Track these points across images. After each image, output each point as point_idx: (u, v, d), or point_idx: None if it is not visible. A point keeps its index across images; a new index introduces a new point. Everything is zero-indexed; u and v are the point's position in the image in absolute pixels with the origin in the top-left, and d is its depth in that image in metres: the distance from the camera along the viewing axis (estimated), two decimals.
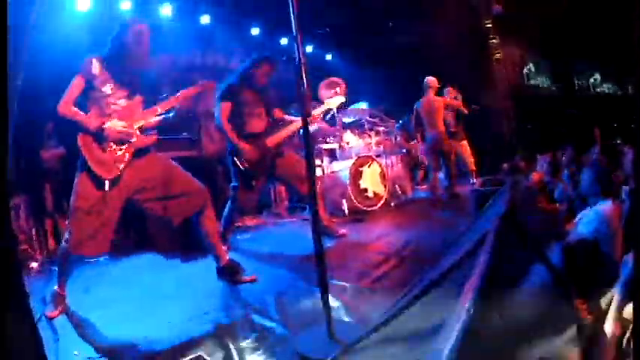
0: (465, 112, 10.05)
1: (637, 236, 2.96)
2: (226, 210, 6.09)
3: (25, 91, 2.23)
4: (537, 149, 10.49)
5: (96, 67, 4.15)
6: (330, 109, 7.20)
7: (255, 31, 12.11)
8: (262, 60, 5.95)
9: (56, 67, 7.24)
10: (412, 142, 12.36)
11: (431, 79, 9.54)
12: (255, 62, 5.96)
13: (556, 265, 2.57)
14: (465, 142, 10.25)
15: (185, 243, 6.35)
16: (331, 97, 8.01)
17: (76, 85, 4.12)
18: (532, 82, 15.17)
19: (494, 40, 14.07)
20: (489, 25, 13.89)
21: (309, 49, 13.24)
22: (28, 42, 2.28)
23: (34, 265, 6.78)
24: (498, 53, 14.16)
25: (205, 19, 10.91)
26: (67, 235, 4.12)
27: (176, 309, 3.97)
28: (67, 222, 4.18)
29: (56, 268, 4.32)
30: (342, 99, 6.83)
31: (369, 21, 12.74)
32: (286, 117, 6.16)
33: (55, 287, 4.20)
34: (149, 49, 4.35)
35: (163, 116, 4.40)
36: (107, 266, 6.20)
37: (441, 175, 9.77)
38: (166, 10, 9.91)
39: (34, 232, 7.48)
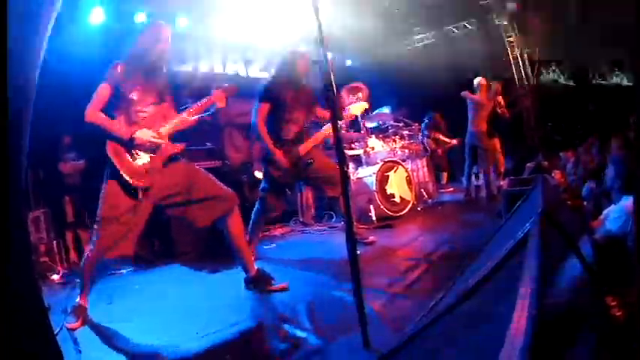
0: (507, 116, 10.03)
1: (637, 235, 2.89)
2: (254, 213, 6.01)
3: (39, 104, 2.19)
4: (559, 147, 10.36)
5: (121, 72, 4.11)
6: (355, 116, 7.17)
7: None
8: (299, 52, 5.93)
9: (70, 80, 7.30)
10: (449, 140, 12.26)
11: (482, 80, 9.73)
12: (293, 54, 5.93)
13: (587, 261, 2.47)
14: (497, 140, 10.14)
15: (212, 254, 6.30)
16: (354, 102, 7.96)
17: (102, 92, 4.06)
18: (548, 77, 14.95)
19: (510, 38, 13.93)
20: (505, 23, 13.75)
21: (329, 54, 13.14)
22: (40, 55, 2.21)
23: (55, 277, 6.80)
24: (515, 51, 14.01)
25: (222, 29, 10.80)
26: (91, 245, 4.09)
27: (203, 320, 3.87)
28: (92, 231, 4.14)
29: (78, 280, 4.28)
30: (365, 105, 6.77)
31: (387, 25, 12.66)
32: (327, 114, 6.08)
33: (78, 299, 4.15)
34: (168, 45, 4.32)
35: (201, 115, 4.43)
36: (131, 278, 6.20)
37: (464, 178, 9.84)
38: (183, 22, 9.85)
39: (54, 244, 7.52)
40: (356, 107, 6.58)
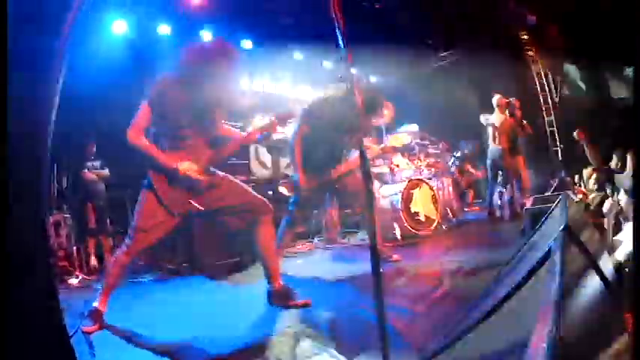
0: (529, 132, 9.97)
1: (637, 236, 2.84)
2: (281, 226, 5.97)
3: (63, 111, 2.21)
4: (582, 163, 10.25)
5: (170, 92, 3.97)
6: (394, 148, 7.21)
7: (297, 55, 12.12)
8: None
9: (93, 89, 7.40)
10: (475, 172, 12.28)
11: (500, 99, 9.72)
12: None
13: (607, 278, 2.45)
14: (520, 158, 10.06)
15: (235, 266, 6.31)
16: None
17: (144, 113, 3.94)
18: (569, 92, 14.74)
19: (530, 53, 13.82)
20: (526, 37, 13.65)
21: (352, 71, 13.12)
22: (63, 62, 2.23)
23: (74, 281, 6.90)
24: (537, 66, 13.90)
25: (247, 44, 10.94)
26: (124, 247, 4.11)
27: (222, 330, 3.88)
28: (116, 234, 4.16)
29: (99, 286, 4.28)
30: (408, 138, 6.78)
31: (409, 41, 12.68)
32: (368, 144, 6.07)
33: (96, 304, 4.14)
34: (231, 66, 4.10)
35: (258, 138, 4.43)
36: (152, 286, 6.23)
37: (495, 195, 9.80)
38: (206, 36, 9.94)
39: (74, 249, 7.64)
40: (395, 139, 6.59)
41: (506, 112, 9.64)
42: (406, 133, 6.82)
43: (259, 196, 4.45)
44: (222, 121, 4.44)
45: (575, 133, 8.46)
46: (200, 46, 4.21)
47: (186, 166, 4.00)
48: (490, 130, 9.63)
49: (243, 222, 4.39)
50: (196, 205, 4.13)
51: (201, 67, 3.97)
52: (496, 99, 9.68)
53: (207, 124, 4.24)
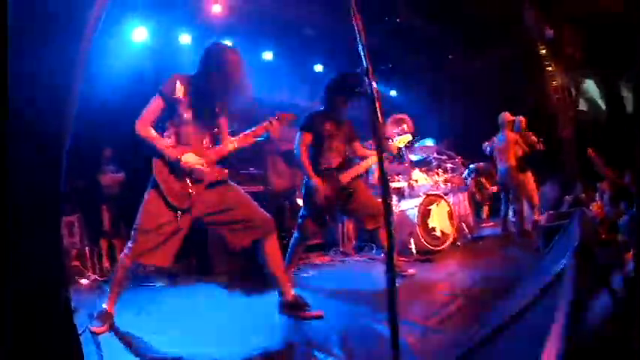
0: (540, 147, 9.86)
1: (637, 237, 2.79)
2: (292, 239, 6.00)
3: (81, 115, 2.24)
4: (597, 178, 10.15)
5: (180, 89, 4.07)
6: (399, 148, 7.17)
7: (318, 67, 12.15)
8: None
9: (113, 94, 7.48)
10: (489, 187, 12.23)
11: (507, 115, 9.63)
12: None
13: (619, 296, 2.42)
14: (529, 174, 9.96)
15: (248, 274, 6.30)
16: (399, 134, 7.95)
17: (155, 106, 4.04)
18: (585, 106, 14.60)
19: (549, 67, 13.75)
20: (544, 51, 13.58)
21: (374, 84, 13.15)
22: (83, 65, 2.26)
23: (85, 281, 6.97)
24: (555, 80, 13.82)
25: (268, 56, 11.01)
26: (126, 250, 4.10)
27: (233, 339, 3.87)
28: (129, 237, 4.12)
29: (108, 288, 4.30)
30: (410, 137, 6.77)
31: (431, 55, 12.67)
32: (367, 152, 6.08)
33: (105, 305, 4.17)
34: (237, 73, 4.18)
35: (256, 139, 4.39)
36: (164, 292, 6.24)
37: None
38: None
39: (87, 250, 7.78)
40: (401, 139, 6.58)
41: (513, 129, 9.57)
42: (409, 134, 6.77)
43: (264, 212, 4.42)
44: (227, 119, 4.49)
45: (588, 152, 8.40)
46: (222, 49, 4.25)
47: (190, 158, 4.05)
48: (495, 152, 9.63)
49: (248, 239, 4.33)
50: (199, 196, 4.13)
51: (217, 69, 4.09)
52: (502, 116, 9.62)
53: (214, 123, 4.33)
